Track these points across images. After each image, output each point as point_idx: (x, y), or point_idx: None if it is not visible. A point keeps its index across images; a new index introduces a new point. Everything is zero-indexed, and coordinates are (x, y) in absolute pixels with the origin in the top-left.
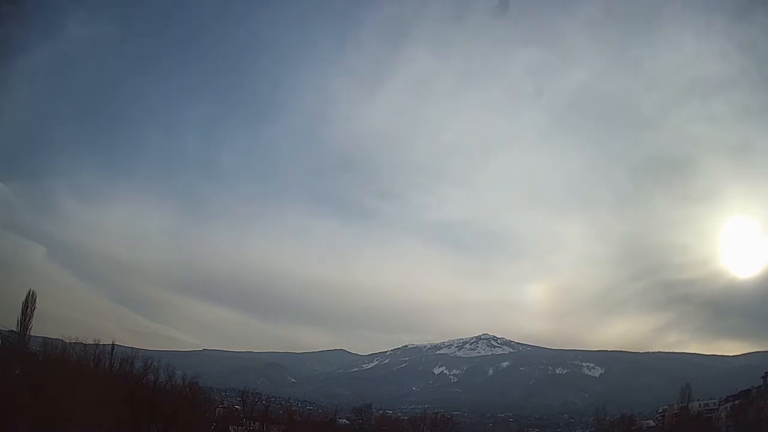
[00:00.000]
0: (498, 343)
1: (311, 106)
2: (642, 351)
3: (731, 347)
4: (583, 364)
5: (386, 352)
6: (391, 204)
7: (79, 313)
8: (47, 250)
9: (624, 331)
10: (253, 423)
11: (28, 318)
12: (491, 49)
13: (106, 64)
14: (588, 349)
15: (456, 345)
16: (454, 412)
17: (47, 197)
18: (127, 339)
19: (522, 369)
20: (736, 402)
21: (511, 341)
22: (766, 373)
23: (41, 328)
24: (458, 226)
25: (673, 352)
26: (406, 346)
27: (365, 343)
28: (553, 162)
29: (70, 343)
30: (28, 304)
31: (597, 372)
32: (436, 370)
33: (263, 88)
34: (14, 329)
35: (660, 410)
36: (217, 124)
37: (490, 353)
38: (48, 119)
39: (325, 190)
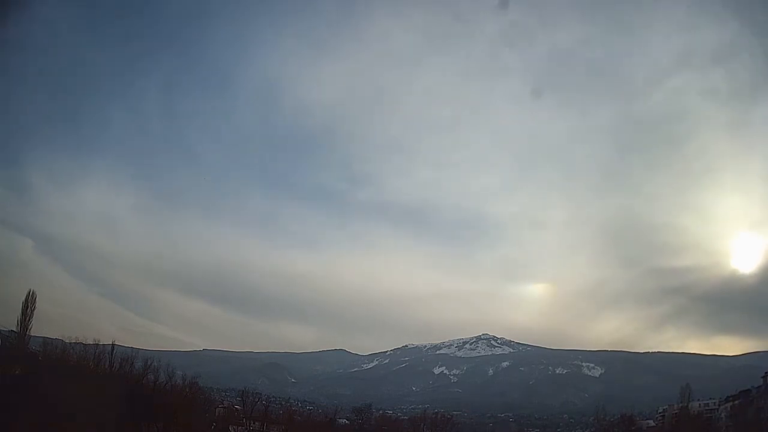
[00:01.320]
0: (498, 343)
1: (267, 74)
2: (642, 351)
3: (731, 344)
4: (583, 364)
5: (386, 352)
6: (364, 189)
7: (69, 309)
8: (34, 243)
9: (616, 327)
10: (253, 423)
11: (28, 318)
12: (462, 9)
13: (66, 42)
14: (588, 349)
15: (456, 345)
16: (454, 412)
17: (23, 184)
18: (126, 339)
19: (522, 369)
20: (736, 402)
21: (511, 341)
22: (766, 373)
23: (41, 328)
24: (435, 213)
25: (673, 352)
26: (406, 346)
27: (365, 343)
28: (533, 135)
29: (70, 343)
30: (28, 304)
31: (597, 372)
32: (436, 370)
33: (220, 58)
34: (14, 329)
35: (660, 410)
36: (176, 96)
37: (490, 353)
38: (11, 102)
39: (289, 170)
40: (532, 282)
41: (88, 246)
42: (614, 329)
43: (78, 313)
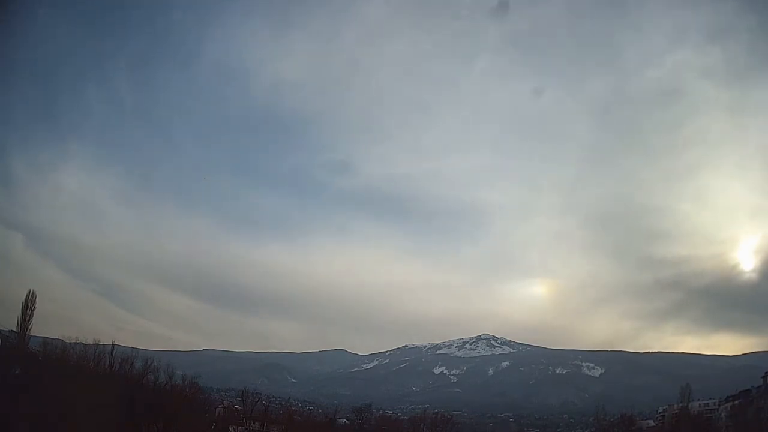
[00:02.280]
0: (498, 343)
1: (233, 52)
2: (642, 351)
3: (732, 341)
4: (583, 364)
5: (386, 352)
6: (343, 176)
7: (59, 305)
8: (24, 237)
9: (611, 324)
10: (253, 423)
11: (28, 318)
12: None
13: (35, 27)
14: (588, 349)
15: (456, 345)
16: (454, 412)
17: (6, 176)
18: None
19: (522, 369)
20: (736, 402)
21: (511, 341)
22: (766, 373)
23: (40, 327)
24: (415, 201)
25: (673, 352)
26: (406, 346)
27: (365, 343)
28: (517, 115)
29: (70, 343)
30: (28, 304)
31: (597, 372)
32: (436, 370)
33: (186, 35)
34: (14, 329)
35: (660, 410)
36: (146, 76)
37: (490, 353)
38: None
39: (262, 154)
40: (520, 274)
41: (72, 238)
42: (608, 327)
43: (67, 310)
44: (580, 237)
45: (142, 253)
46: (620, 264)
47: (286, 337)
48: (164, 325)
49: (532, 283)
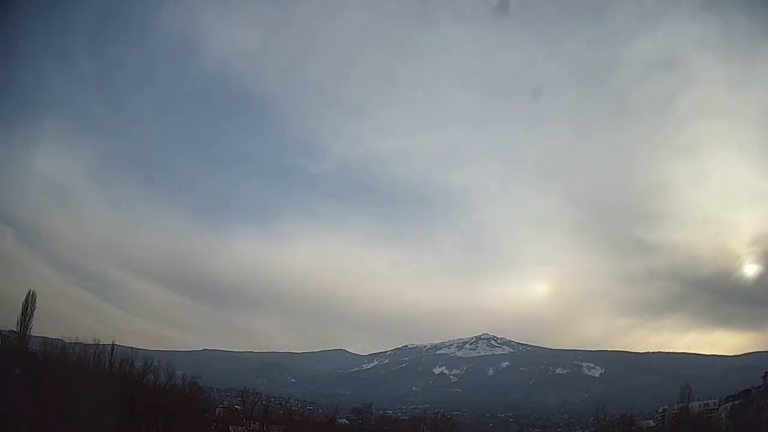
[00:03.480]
0: (498, 343)
1: (181, 23)
2: (642, 351)
3: (732, 338)
4: (583, 364)
5: (386, 352)
6: (308, 156)
7: (49, 300)
8: (14, 231)
9: (602, 323)
10: (253, 423)
11: (28, 318)
12: None
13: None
14: (588, 349)
15: (456, 345)
16: (454, 412)
17: None
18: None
19: (522, 369)
20: (736, 402)
21: (511, 341)
22: (766, 373)
23: (41, 328)
24: (386, 183)
25: (673, 352)
26: (406, 346)
27: (365, 344)
28: (491, 82)
29: (70, 343)
30: (28, 304)
31: (597, 372)
32: (436, 370)
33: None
34: (14, 329)
35: (660, 410)
36: (104, 48)
37: (490, 353)
38: None
39: (221, 132)
40: (499, 263)
41: (51, 227)
42: (601, 323)
43: (56, 305)
44: (566, 220)
45: (117, 242)
46: (611, 249)
47: (267, 332)
48: (150, 320)
49: (506, 273)
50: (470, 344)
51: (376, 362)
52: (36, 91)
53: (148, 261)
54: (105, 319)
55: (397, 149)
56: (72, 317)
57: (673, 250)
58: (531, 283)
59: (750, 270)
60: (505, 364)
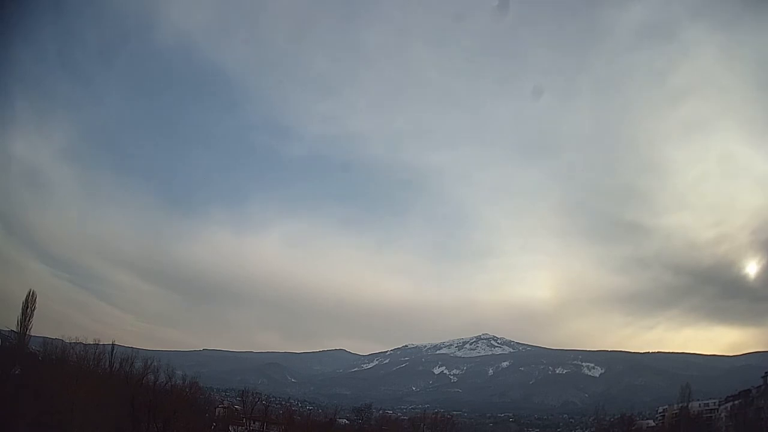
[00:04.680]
0: (498, 343)
1: None
2: (642, 351)
3: (731, 336)
4: (583, 364)
5: (386, 352)
6: (280, 138)
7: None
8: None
9: (593, 321)
10: (253, 423)
11: (28, 318)
12: None
13: None
14: (588, 349)
15: (456, 345)
16: (454, 412)
17: None
18: (126, 338)
19: (522, 369)
20: (736, 402)
21: (511, 341)
22: (766, 373)
23: (41, 328)
24: (362, 166)
25: (673, 352)
26: (406, 346)
27: (365, 344)
28: (459, 42)
29: (70, 343)
30: (28, 304)
31: (597, 372)
32: (436, 370)
33: None
34: (14, 329)
35: (660, 410)
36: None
37: (490, 353)
38: None
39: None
40: (480, 249)
41: (30, 217)
42: (593, 320)
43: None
44: (546, 202)
45: (91, 229)
46: (599, 233)
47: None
48: (138, 317)
49: (486, 262)
50: (470, 344)
51: (376, 362)
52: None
53: (124, 251)
54: (88, 312)
55: (371, 129)
56: (56, 311)
57: (667, 236)
58: (514, 272)
59: (752, 261)
60: (505, 364)
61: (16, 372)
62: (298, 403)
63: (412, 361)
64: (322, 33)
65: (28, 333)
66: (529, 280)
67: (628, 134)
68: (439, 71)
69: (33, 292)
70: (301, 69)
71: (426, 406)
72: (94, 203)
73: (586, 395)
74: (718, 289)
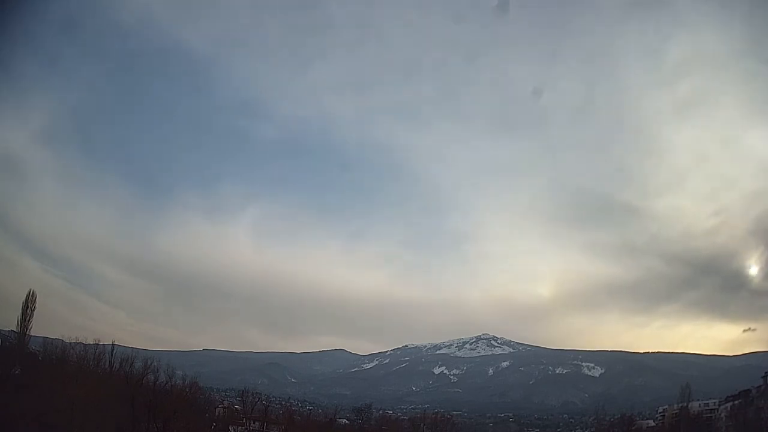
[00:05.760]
0: (498, 343)
1: None
2: (642, 351)
3: (731, 333)
4: (583, 364)
5: (386, 352)
6: (249, 118)
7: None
8: None
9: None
10: (253, 423)
11: (28, 318)
12: None
13: None
14: (588, 349)
15: (456, 345)
16: (454, 412)
17: None
18: (126, 338)
19: (522, 369)
20: (736, 402)
21: (511, 341)
22: (766, 373)
23: (41, 328)
24: (342, 150)
25: (673, 352)
26: (406, 346)
27: (365, 344)
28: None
29: (70, 343)
30: (28, 304)
31: (597, 372)
32: (436, 370)
33: None
34: (14, 329)
35: (660, 410)
36: None
37: (490, 353)
38: None
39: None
40: (454, 237)
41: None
42: (585, 318)
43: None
44: (529, 182)
45: (69, 218)
46: (590, 216)
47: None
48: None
49: (466, 248)
50: (470, 344)
51: (376, 362)
52: None
53: (100, 239)
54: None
55: (349, 109)
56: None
57: (663, 222)
58: (493, 261)
59: (754, 252)
60: (505, 364)
61: (16, 372)
62: (298, 403)
63: (412, 361)
64: (287, 7)
65: (28, 333)
66: (517, 270)
67: (619, 112)
68: (410, 42)
69: (33, 292)
70: (268, 46)
71: (426, 406)
72: (67, 189)
73: (586, 395)
74: (717, 282)
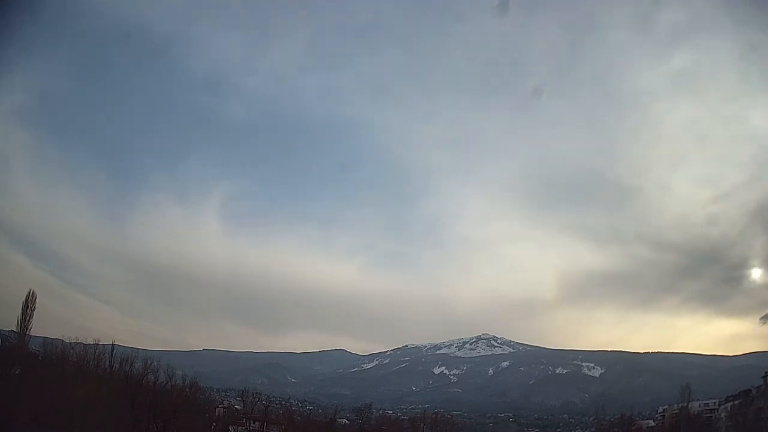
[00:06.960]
0: (498, 343)
1: None
2: (642, 351)
3: (732, 329)
4: (583, 364)
5: (386, 352)
6: (211, 94)
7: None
8: None
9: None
10: (253, 423)
11: (28, 318)
12: None
13: None
14: (588, 349)
15: (456, 345)
16: (454, 412)
17: None
18: (126, 338)
19: (522, 369)
20: (736, 402)
21: (511, 341)
22: (766, 373)
23: (41, 328)
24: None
25: (673, 352)
26: (406, 346)
27: (365, 344)
28: None
29: (70, 343)
30: (28, 304)
31: (597, 372)
32: (436, 370)
33: None
34: (14, 329)
35: (660, 410)
36: None
37: (490, 353)
38: None
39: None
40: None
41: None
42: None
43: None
44: (511, 163)
45: (46, 200)
46: (577, 197)
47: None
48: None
49: (455, 238)
50: (470, 344)
51: (376, 362)
52: None
53: (82, 232)
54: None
55: (315, 85)
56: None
57: (656, 207)
58: (470, 248)
59: (754, 247)
60: (505, 364)
61: (16, 372)
62: (298, 403)
63: (412, 361)
64: None
65: (28, 333)
66: (502, 260)
67: (602, 60)
68: (375, 9)
69: (33, 292)
70: (231, 23)
71: (426, 406)
72: (43, 175)
73: (586, 395)
74: (717, 277)
